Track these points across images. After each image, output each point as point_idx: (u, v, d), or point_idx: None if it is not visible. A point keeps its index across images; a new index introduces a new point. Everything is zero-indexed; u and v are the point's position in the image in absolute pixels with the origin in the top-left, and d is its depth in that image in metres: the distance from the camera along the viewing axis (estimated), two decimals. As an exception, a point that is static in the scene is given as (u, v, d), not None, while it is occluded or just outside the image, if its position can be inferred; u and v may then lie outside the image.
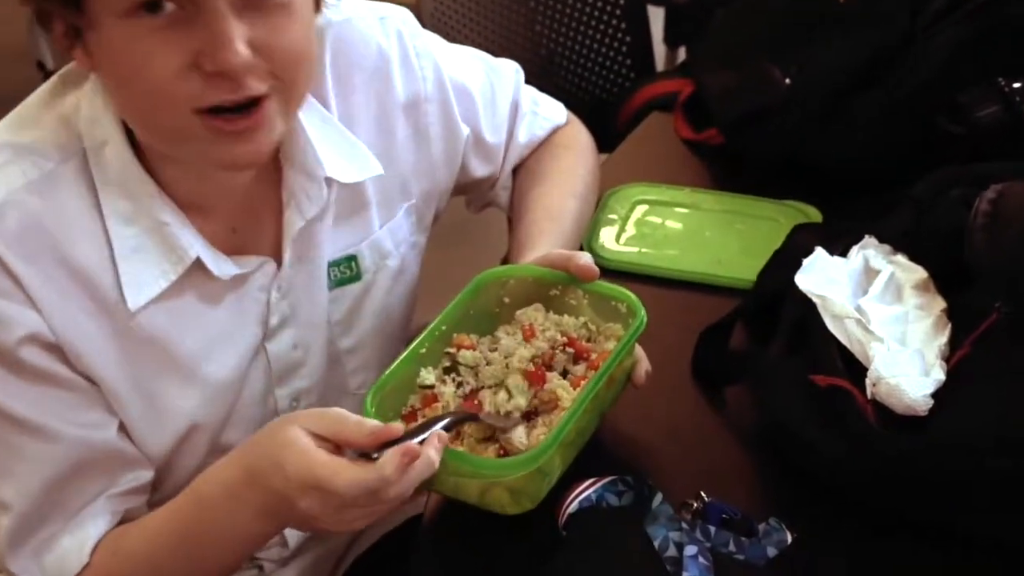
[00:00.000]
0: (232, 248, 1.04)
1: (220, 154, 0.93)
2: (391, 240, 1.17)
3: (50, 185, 0.96)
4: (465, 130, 1.21)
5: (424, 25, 1.22)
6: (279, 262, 1.07)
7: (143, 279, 0.99)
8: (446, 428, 0.91)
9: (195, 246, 1.00)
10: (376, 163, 1.11)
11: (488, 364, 1.03)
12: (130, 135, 0.97)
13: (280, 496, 0.88)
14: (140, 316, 1.00)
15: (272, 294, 1.07)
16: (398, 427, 0.89)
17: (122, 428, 1.03)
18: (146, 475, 1.05)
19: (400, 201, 1.17)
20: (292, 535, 1.18)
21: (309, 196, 1.06)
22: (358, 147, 1.10)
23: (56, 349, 0.97)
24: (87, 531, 1.00)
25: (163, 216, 0.98)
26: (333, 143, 1.07)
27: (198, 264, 1.00)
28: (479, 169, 1.26)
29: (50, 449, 0.98)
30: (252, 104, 0.90)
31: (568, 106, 1.39)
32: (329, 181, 1.06)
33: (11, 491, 0.99)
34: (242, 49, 0.86)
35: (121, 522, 1.03)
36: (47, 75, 1.04)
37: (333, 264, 1.12)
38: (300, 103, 0.99)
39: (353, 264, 1.14)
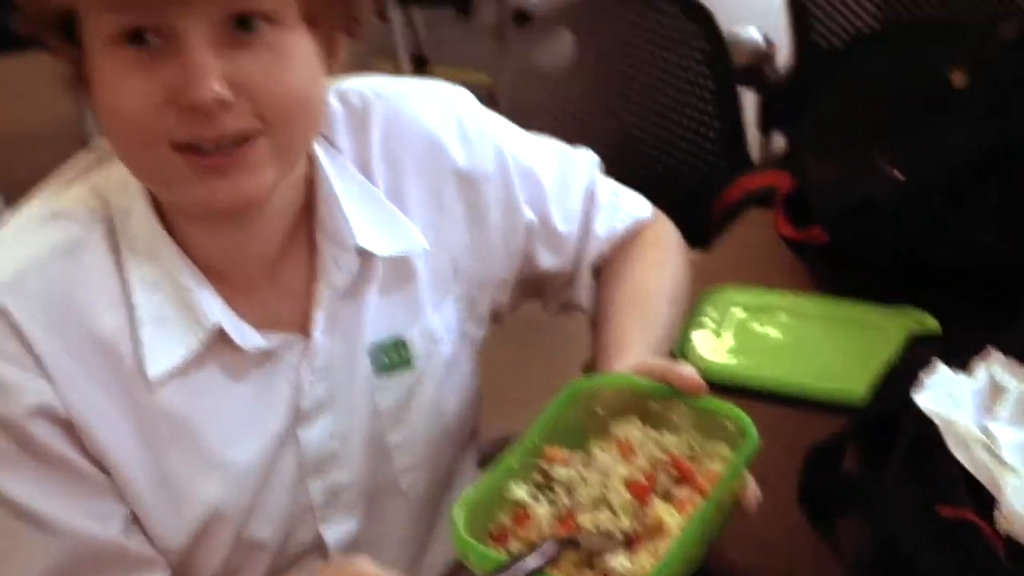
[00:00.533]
0: (262, 322, 1.06)
1: (201, 193, 0.95)
2: (442, 326, 1.18)
3: (76, 250, 1.00)
4: (529, 215, 1.23)
5: (500, 110, 1.25)
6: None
7: (164, 348, 1.01)
8: (550, 560, 0.91)
9: (216, 312, 1.02)
10: (420, 237, 1.13)
11: (584, 482, 1.02)
12: (156, 202, 1.01)
13: None
14: (160, 390, 1.02)
15: (304, 374, 1.09)
16: None
17: (135, 521, 1.04)
18: None
19: (451, 284, 1.19)
20: None
21: (339, 265, 1.08)
22: (400, 221, 1.12)
23: (67, 425, 0.99)
24: None
25: (185, 281, 1.02)
26: (371, 214, 1.10)
27: (222, 335, 1.03)
28: (547, 261, 1.26)
29: (50, 542, 0.99)
30: (238, 144, 0.93)
31: (655, 198, 1.39)
32: (365, 253, 1.08)
33: None
34: (214, 86, 0.89)
35: None
36: None
37: (379, 348, 1.13)
38: (299, 151, 1.02)
39: (403, 350, 1.15)
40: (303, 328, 1.09)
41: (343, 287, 1.09)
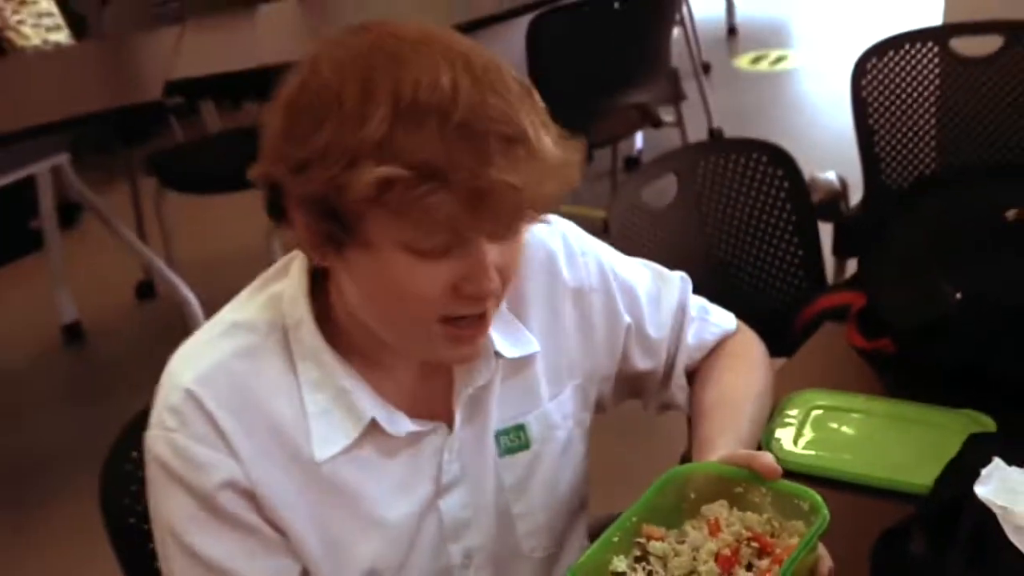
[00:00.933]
0: (409, 408, 1.08)
1: (448, 354, 1.00)
2: (559, 414, 1.18)
3: (256, 354, 1.03)
4: (627, 320, 1.23)
5: (610, 237, 1.26)
6: (450, 425, 1.10)
7: (329, 436, 1.03)
8: None
9: (371, 409, 1.04)
10: (535, 342, 1.14)
11: (677, 556, 1.01)
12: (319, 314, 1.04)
13: None
14: (326, 467, 1.04)
15: (444, 455, 1.09)
16: None
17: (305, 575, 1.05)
18: None
19: (567, 379, 1.19)
20: None
21: (479, 367, 1.09)
22: (522, 329, 1.14)
23: (251, 496, 1.01)
24: None
25: (345, 384, 1.03)
26: (500, 324, 1.11)
27: (375, 423, 1.04)
28: (641, 362, 1.26)
29: None
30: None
31: (746, 315, 1.38)
32: (497, 355, 1.10)
33: None
34: (495, 277, 0.95)
35: None
36: None
37: (502, 432, 1.14)
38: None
39: (522, 434, 1.15)
40: (445, 417, 1.10)
41: (480, 384, 1.10)
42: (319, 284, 1.05)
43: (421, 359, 1.04)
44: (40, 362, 3.64)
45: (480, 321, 0.99)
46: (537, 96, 0.95)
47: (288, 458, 1.02)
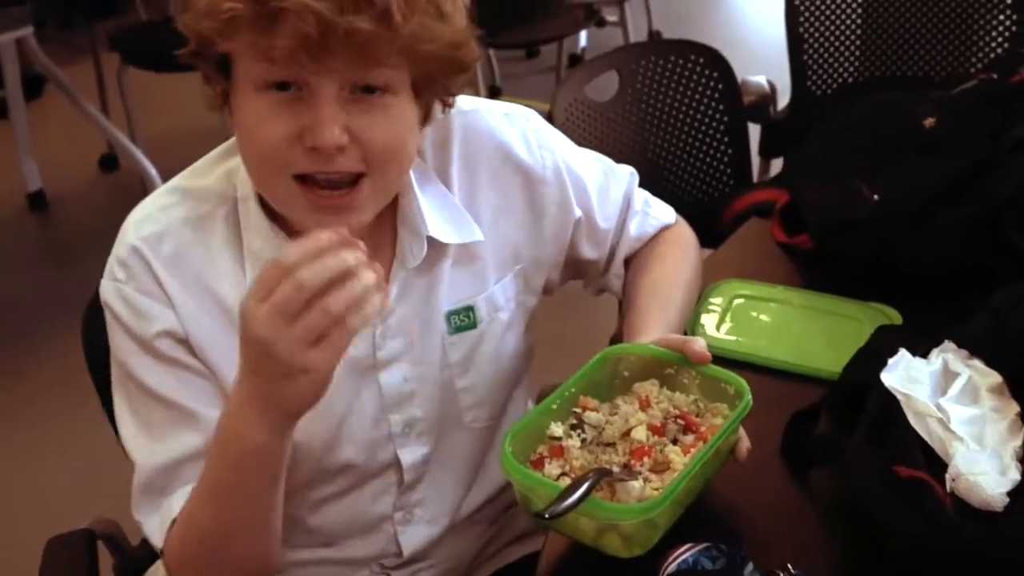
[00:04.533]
0: None
1: (311, 221, 0.95)
2: (502, 296, 1.16)
3: (204, 224, 1.03)
4: (578, 212, 1.21)
5: (554, 127, 1.23)
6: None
7: None
8: (591, 486, 0.90)
9: None
10: (478, 231, 1.12)
11: (609, 425, 1.03)
12: None
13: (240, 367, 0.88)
14: None
15: (378, 332, 1.08)
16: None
17: None
18: None
19: (512, 264, 1.17)
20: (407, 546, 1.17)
21: (412, 251, 1.07)
22: (466, 218, 1.11)
23: (185, 343, 1.02)
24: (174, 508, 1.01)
25: None
26: (441, 211, 1.09)
27: None
28: (588, 251, 1.25)
29: (188, 420, 1.02)
30: (349, 184, 0.94)
31: (675, 207, 1.36)
32: (436, 241, 1.08)
33: (143, 457, 1.03)
34: (336, 132, 0.90)
35: None
36: None
37: (453, 313, 1.12)
38: (391, 192, 1.01)
39: (471, 314, 1.14)
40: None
41: (413, 267, 1.08)
42: None
43: (299, 226, 0.99)
44: (6, 227, 3.55)
45: (343, 196, 0.94)
46: None
47: (224, 316, 1.02)
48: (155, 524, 1.02)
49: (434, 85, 0.99)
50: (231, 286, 1.03)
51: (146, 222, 1.03)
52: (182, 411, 1.02)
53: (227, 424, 0.92)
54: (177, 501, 1.00)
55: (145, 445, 1.03)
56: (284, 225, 1.03)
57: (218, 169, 1.06)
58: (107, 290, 1.02)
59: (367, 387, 1.09)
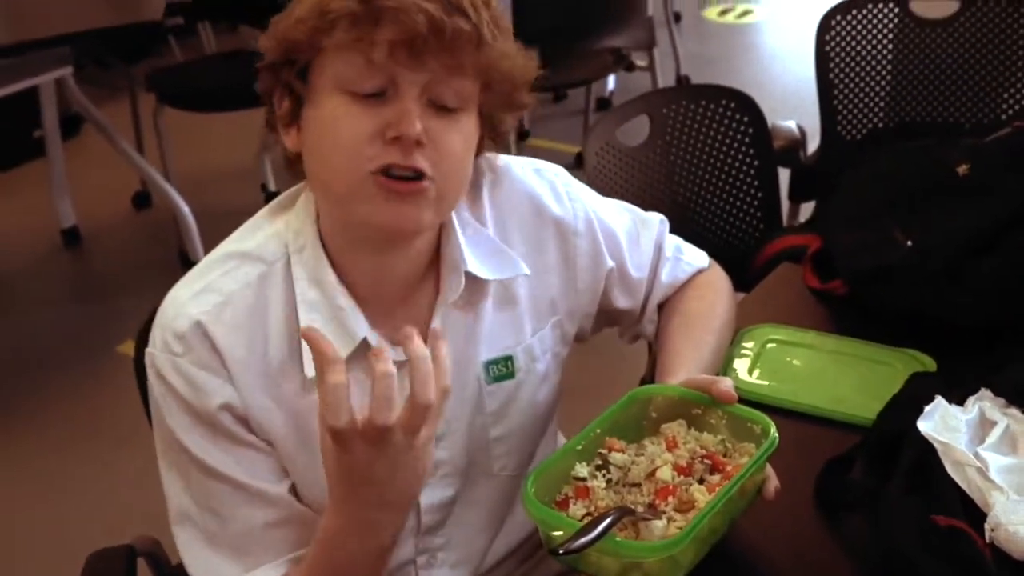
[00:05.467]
0: (391, 337, 1.06)
1: (383, 213, 0.97)
2: (539, 347, 1.17)
3: (260, 284, 1.03)
4: (610, 263, 1.21)
5: (584, 171, 1.24)
6: None
7: None
8: (612, 524, 0.90)
9: (363, 330, 1.03)
10: (523, 265, 1.13)
11: (635, 466, 1.02)
12: (323, 242, 1.04)
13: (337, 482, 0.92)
14: (314, 390, 1.01)
15: None
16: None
17: (292, 490, 1.05)
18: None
19: (548, 315, 1.17)
20: None
21: (451, 286, 1.08)
22: (506, 252, 1.12)
23: (244, 418, 1.01)
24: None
25: (341, 302, 1.03)
26: (479, 248, 1.10)
27: (365, 345, 1.03)
28: (621, 301, 1.25)
29: (243, 498, 1.02)
30: (416, 178, 0.96)
31: (704, 250, 1.36)
32: (476, 278, 1.08)
33: (208, 529, 1.03)
34: (419, 125, 0.94)
35: None
36: (268, 195, 1.10)
37: (492, 363, 1.12)
38: (450, 207, 1.03)
39: (509, 364, 1.14)
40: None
41: (452, 300, 1.08)
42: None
43: (368, 222, 1.01)
44: (41, 262, 3.60)
45: (414, 184, 0.96)
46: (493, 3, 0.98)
47: (284, 383, 1.02)
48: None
49: (494, 116, 1.04)
50: (284, 337, 1.03)
51: (207, 293, 1.01)
52: (248, 490, 1.02)
53: (354, 546, 0.95)
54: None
55: (211, 520, 1.03)
56: (339, 272, 1.04)
57: (267, 229, 1.06)
58: (162, 363, 1.00)
59: None
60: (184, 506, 1.03)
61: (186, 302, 1.01)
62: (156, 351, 1.00)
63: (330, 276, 1.03)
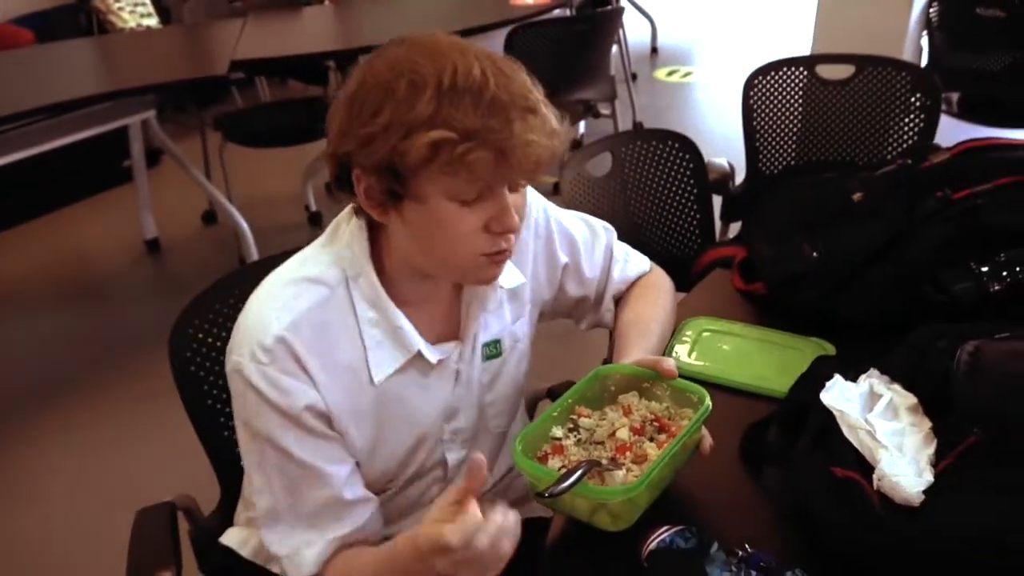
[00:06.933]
0: (436, 337, 1.06)
1: (487, 276, 0.99)
2: (521, 331, 1.17)
3: (328, 304, 0.99)
4: (564, 259, 1.21)
5: (561, 196, 1.24)
6: (463, 341, 1.09)
7: (383, 363, 1.02)
8: (583, 473, 0.91)
9: (417, 344, 1.03)
10: (522, 275, 1.15)
11: (599, 428, 1.03)
12: (377, 267, 1.01)
13: (425, 563, 0.84)
14: (380, 386, 1.02)
15: (460, 367, 1.09)
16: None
17: (356, 471, 1.04)
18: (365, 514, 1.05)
19: (526, 304, 1.18)
20: None
21: (491, 297, 1.09)
22: (512, 267, 1.13)
23: (325, 415, 0.99)
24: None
25: (398, 323, 1.01)
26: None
27: (419, 354, 1.03)
28: (574, 290, 1.25)
29: (320, 479, 1.00)
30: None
31: (655, 260, 1.37)
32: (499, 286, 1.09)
33: (286, 507, 1.01)
34: (516, 218, 0.94)
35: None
36: (311, 215, 1.06)
37: (486, 344, 1.12)
38: None
39: (498, 346, 1.14)
40: (457, 336, 1.09)
41: (490, 310, 1.10)
42: (373, 245, 1.02)
43: (474, 283, 1.03)
44: (128, 266, 3.58)
45: (506, 251, 0.97)
46: (537, 82, 0.94)
47: (347, 374, 1.00)
48: (296, 542, 1.00)
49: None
50: (350, 347, 1.00)
51: (284, 312, 0.97)
52: (313, 471, 0.99)
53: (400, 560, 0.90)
54: (323, 538, 1.00)
55: (281, 496, 1.00)
56: (392, 294, 1.01)
57: (325, 258, 1.02)
58: (251, 371, 0.95)
59: (444, 408, 1.11)
60: (270, 504, 1.01)
61: (270, 320, 0.96)
62: (244, 360, 0.96)
63: (387, 301, 1.01)
